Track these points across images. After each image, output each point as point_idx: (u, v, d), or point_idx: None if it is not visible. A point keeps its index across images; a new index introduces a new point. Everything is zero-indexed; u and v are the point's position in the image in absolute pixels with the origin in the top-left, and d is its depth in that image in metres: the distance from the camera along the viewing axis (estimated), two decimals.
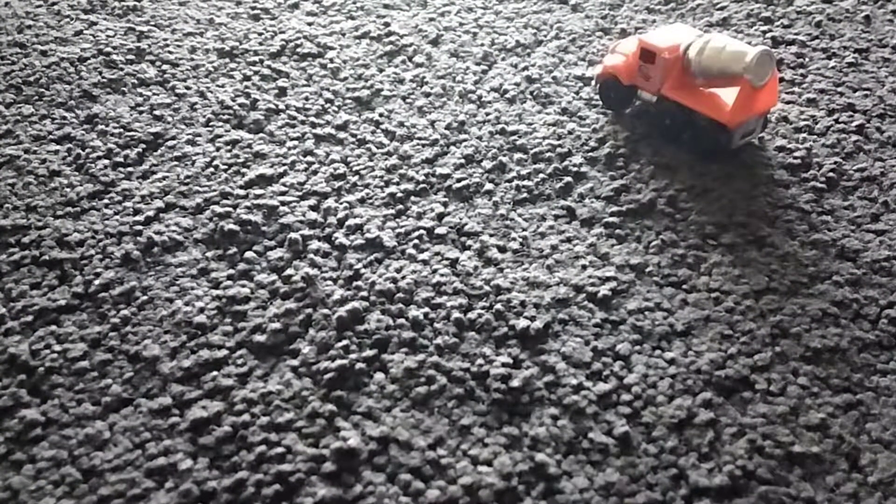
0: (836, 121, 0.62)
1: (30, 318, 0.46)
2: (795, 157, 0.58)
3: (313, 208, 0.53)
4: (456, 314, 0.46)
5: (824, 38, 0.72)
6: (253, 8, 0.75)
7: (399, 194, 0.55)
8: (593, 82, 0.64)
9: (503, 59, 0.68)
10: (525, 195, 0.55)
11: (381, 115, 0.62)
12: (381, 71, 0.67)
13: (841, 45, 0.71)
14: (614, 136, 0.60)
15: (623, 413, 0.41)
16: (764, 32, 0.72)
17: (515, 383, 0.42)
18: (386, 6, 0.76)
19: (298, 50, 0.69)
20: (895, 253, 0.51)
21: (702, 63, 0.56)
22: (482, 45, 0.70)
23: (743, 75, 0.54)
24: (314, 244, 0.51)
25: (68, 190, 0.54)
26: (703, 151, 0.57)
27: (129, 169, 0.56)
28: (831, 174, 0.56)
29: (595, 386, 0.43)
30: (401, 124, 0.61)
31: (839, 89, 0.65)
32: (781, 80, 0.66)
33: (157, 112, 0.62)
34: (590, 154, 0.58)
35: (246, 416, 0.41)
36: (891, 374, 0.44)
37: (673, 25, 0.61)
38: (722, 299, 0.48)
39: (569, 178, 0.56)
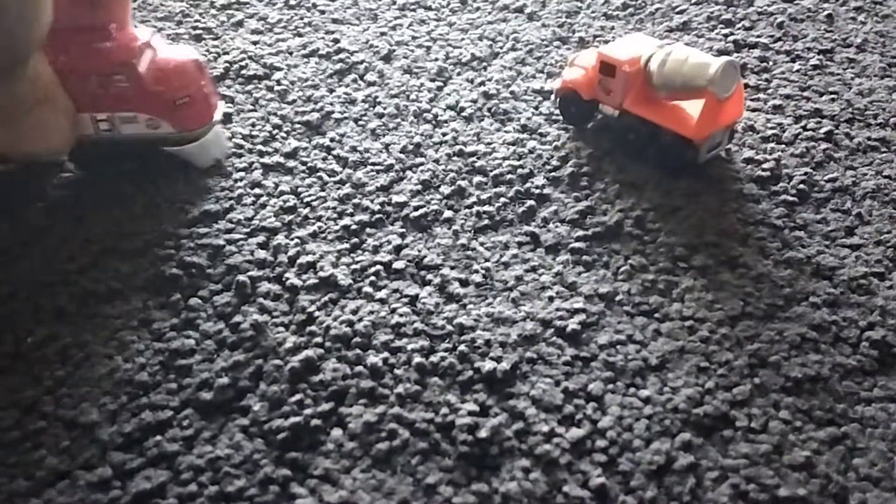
0: (804, 128, 0.60)
1: None
2: (764, 169, 0.56)
3: (262, 246, 0.50)
4: (417, 358, 0.43)
5: (787, 39, 0.70)
6: (195, 28, 0.71)
7: (353, 226, 0.52)
8: (553, 96, 0.61)
9: (459, 73, 0.66)
10: (486, 221, 0.52)
11: (332, 139, 0.59)
12: (331, 91, 0.64)
13: (805, 46, 0.69)
14: (577, 153, 0.57)
15: (598, 461, 0.39)
16: (725, 36, 0.70)
17: (483, 433, 0.40)
18: (335, 21, 0.73)
19: (243, 72, 0.65)
20: (872, 269, 0.49)
21: (664, 76, 0.53)
22: (436, 59, 0.67)
23: (707, 88, 0.52)
24: (264, 286, 0.48)
25: None
26: (670, 167, 0.55)
27: (64, 211, 0.53)
28: (802, 186, 0.54)
29: (568, 432, 0.40)
30: (353, 149, 0.58)
31: (805, 94, 0.63)
32: (746, 86, 0.64)
33: None
34: (552, 174, 0.56)
35: (193, 486, 0.38)
36: (875, 403, 0.42)
37: (633, 35, 0.58)
38: (696, 328, 0.45)
39: (531, 202, 0.53)
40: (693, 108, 0.54)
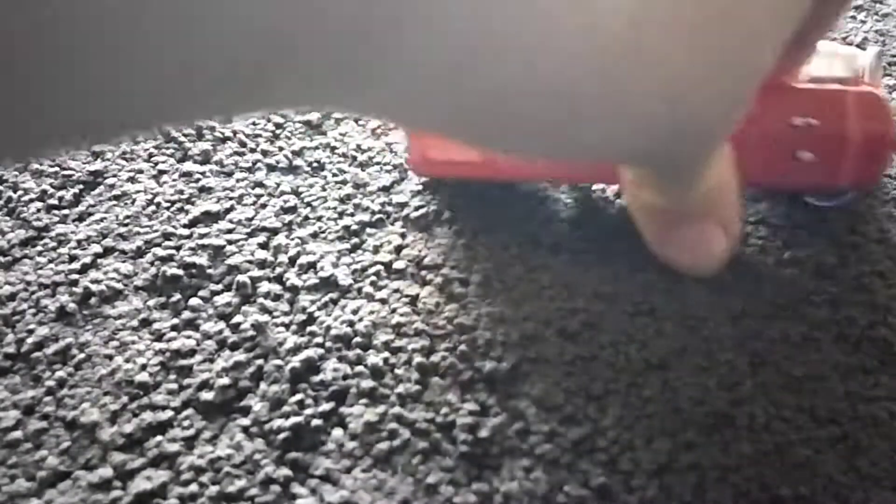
0: None
1: None
2: None
3: (262, 246, 0.50)
4: (418, 358, 0.43)
5: None
6: None
7: (354, 226, 0.52)
8: None
9: None
10: (486, 221, 0.52)
11: (334, 139, 0.59)
12: None
13: None
14: None
15: (600, 461, 0.39)
16: None
17: (484, 433, 0.40)
18: None
19: None
20: (872, 268, 0.49)
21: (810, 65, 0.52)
22: None
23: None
24: (264, 286, 0.48)
25: None
26: None
27: (65, 211, 0.53)
28: None
29: (569, 432, 0.40)
30: (358, 148, 0.58)
31: None
32: None
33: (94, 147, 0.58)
34: None
35: (194, 487, 0.38)
36: (876, 402, 0.42)
37: None
38: (697, 327, 0.45)
39: (531, 202, 0.53)
40: None
